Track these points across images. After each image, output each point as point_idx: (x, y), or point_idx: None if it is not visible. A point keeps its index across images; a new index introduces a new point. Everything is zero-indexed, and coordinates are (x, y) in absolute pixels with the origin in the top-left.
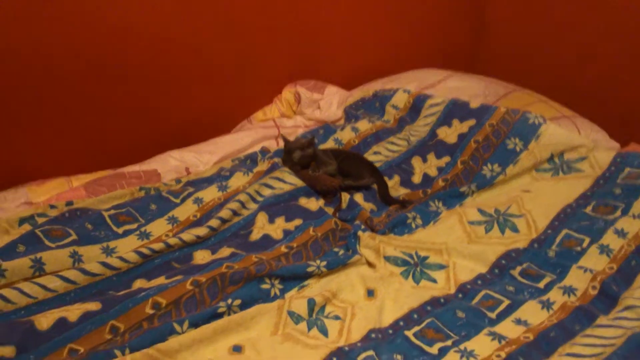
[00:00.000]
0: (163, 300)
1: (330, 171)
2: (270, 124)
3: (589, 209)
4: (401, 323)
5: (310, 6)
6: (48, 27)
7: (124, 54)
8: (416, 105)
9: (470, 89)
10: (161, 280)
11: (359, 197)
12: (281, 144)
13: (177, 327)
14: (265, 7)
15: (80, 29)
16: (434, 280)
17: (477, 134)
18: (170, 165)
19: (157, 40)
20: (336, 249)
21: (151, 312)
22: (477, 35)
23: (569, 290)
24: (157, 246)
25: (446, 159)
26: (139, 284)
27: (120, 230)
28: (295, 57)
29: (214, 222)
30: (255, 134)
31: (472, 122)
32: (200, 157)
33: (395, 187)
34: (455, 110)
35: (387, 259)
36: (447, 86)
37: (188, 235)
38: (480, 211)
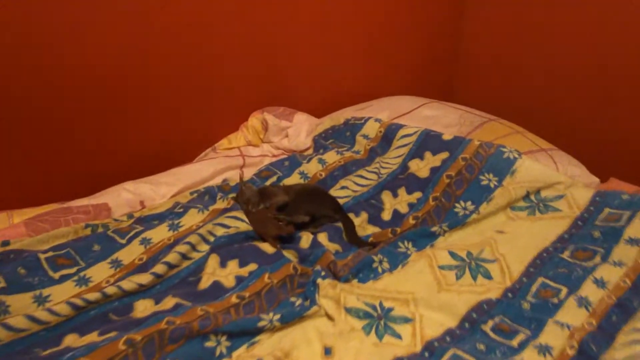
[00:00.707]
0: None
1: (279, 202)
2: (235, 152)
3: (566, 254)
4: None
5: (280, 30)
6: None
7: (75, 77)
8: (388, 136)
9: (445, 118)
10: (94, 336)
11: (322, 237)
12: (246, 175)
13: None
14: (232, 30)
15: (29, 58)
16: (399, 336)
17: (449, 167)
18: (123, 198)
19: (113, 66)
20: (293, 299)
21: None
22: (453, 62)
23: (545, 350)
24: (93, 296)
25: (417, 194)
26: (69, 340)
27: (56, 276)
28: (263, 82)
29: (159, 268)
30: (219, 163)
31: (445, 154)
32: (157, 189)
33: (363, 225)
34: (427, 141)
35: (349, 310)
36: (421, 115)
37: (129, 284)
38: (452, 254)
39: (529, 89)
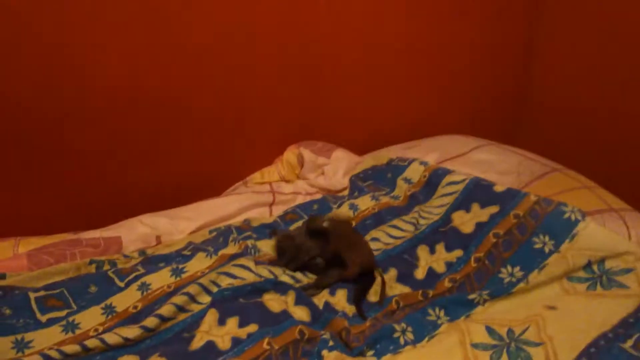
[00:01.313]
0: None
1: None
2: (266, 188)
3: (629, 344)
4: None
5: (323, 57)
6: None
7: (98, 99)
8: (432, 181)
9: (502, 164)
10: None
11: (341, 295)
12: (274, 213)
13: None
14: (269, 54)
15: (45, 72)
16: None
17: (498, 224)
18: (138, 232)
19: (138, 87)
20: None
21: None
22: (518, 101)
23: None
24: (71, 349)
25: (458, 252)
26: None
27: (44, 319)
28: (302, 114)
29: (150, 322)
30: (246, 199)
31: (494, 209)
32: (176, 224)
33: (391, 284)
34: (476, 192)
35: None
36: (474, 159)
37: (114, 337)
38: (489, 330)
39: (602, 138)
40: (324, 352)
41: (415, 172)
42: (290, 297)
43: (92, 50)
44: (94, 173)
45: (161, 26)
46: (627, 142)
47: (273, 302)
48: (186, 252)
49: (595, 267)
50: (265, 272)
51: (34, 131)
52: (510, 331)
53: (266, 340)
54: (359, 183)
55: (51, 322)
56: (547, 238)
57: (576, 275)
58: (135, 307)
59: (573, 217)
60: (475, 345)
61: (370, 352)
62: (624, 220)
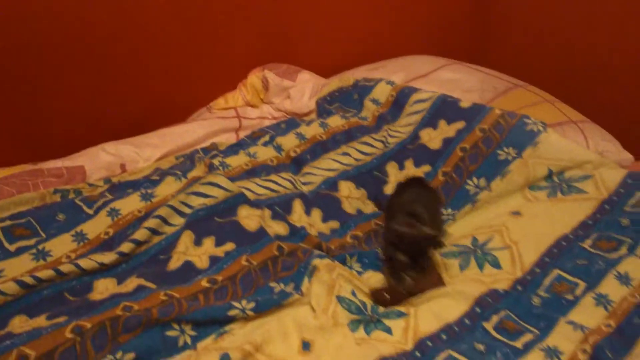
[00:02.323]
0: (32, 352)
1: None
2: (231, 113)
3: (588, 243)
4: None
5: None
6: None
7: (55, 26)
8: (399, 101)
9: (467, 82)
10: (42, 320)
11: (315, 216)
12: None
13: None
14: None
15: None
16: (389, 331)
17: (464, 139)
18: (102, 161)
19: (96, 13)
20: (274, 284)
21: None
22: (481, 18)
23: (553, 354)
24: (46, 274)
25: (426, 168)
26: (16, 322)
27: (12, 248)
28: (265, 37)
29: (125, 247)
30: (212, 125)
31: (461, 124)
32: (141, 152)
33: (363, 199)
34: (443, 108)
35: (340, 300)
36: (439, 78)
37: (89, 263)
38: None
39: (564, 52)
40: (316, 261)
41: (382, 92)
42: (267, 211)
43: None
44: (53, 102)
45: None
46: (587, 55)
47: (249, 220)
48: (154, 177)
49: (555, 177)
50: (235, 187)
51: None
52: (475, 240)
53: (244, 257)
54: (326, 106)
55: (20, 251)
56: (511, 149)
57: (537, 185)
58: (106, 233)
59: (535, 129)
60: (444, 255)
61: (357, 265)
62: (582, 131)
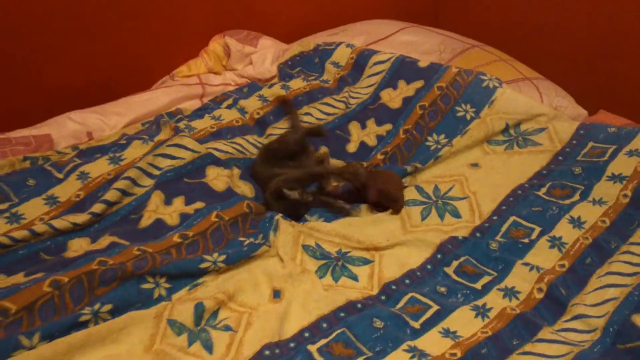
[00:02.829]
0: (12, 306)
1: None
2: (194, 80)
3: (543, 191)
4: (306, 334)
5: None
6: None
7: None
8: (359, 63)
9: (425, 44)
10: (19, 277)
11: None
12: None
13: (24, 340)
14: None
15: None
16: (355, 278)
17: (423, 97)
18: (68, 129)
19: None
20: (242, 239)
21: None
22: None
23: (510, 293)
24: (21, 234)
25: (387, 126)
26: None
27: None
28: (225, 2)
29: (97, 207)
30: (175, 92)
31: (419, 83)
32: (106, 120)
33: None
34: (402, 69)
35: (306, 248)
36: (398, 40)
37: (62, 223)
38: (419, 189)
39: (519, 13)
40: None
41: (342, 55)
42: (236, 170)
43: None
44: (17, 71)
45: None
46: (541, 15)
47: (217, 181)
48: (122, 142)
49: (512, 131)
50: (202, 147)
51: None
52: (436, 189)
53: (214, 213)
54: (288, 70)
55: None
56: (468, 106)
57: (495, 139)
58: (77, 196)
59: (491, 85)
60: (406, 204)
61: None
62: (537, 88)
